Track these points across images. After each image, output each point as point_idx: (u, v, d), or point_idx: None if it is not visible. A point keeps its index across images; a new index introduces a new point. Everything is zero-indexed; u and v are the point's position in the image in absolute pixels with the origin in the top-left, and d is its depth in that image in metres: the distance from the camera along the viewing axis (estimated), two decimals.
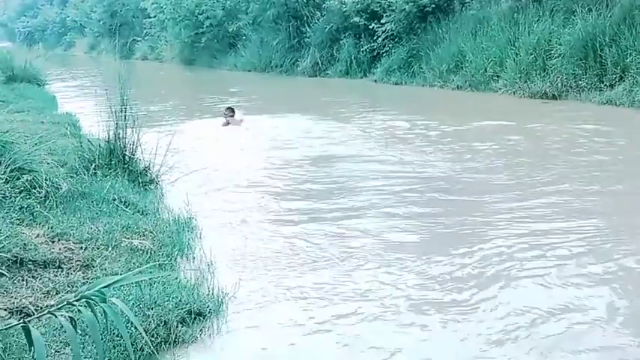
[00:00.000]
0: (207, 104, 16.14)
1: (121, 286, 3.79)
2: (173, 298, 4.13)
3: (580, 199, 6.87)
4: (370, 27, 21.30)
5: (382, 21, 20.86)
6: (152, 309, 3.98)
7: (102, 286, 3.07)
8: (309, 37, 24.49)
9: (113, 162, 7.13)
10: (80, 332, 3.44)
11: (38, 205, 5.49)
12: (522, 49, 15.93)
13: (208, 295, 4.37)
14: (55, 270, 4.50)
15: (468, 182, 7.90)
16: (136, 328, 3.41)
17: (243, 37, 29.65)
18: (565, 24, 15.45)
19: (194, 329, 4.01)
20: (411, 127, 12.01)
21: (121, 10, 45.95)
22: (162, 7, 34.05)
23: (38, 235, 4.97)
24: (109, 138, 7.24)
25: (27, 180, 5.70)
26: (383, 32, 20.88)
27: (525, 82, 15.33)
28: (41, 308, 3.83)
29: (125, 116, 7.30)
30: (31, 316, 3.52)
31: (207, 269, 4.96)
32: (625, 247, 5.41)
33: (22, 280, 4.27)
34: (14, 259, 4.43)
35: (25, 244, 4.63)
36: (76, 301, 3.00)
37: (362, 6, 21.54)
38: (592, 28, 14.40)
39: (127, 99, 7.41)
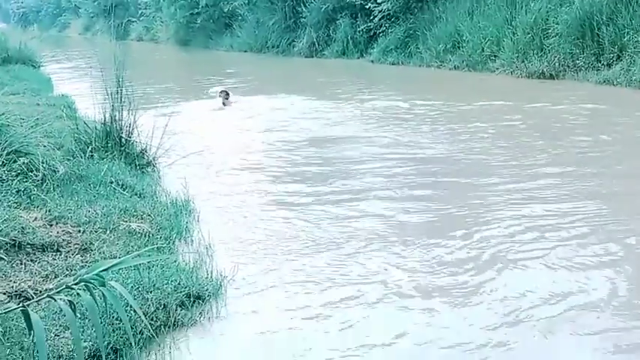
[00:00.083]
0: (203, 86, 16.06)
1: (119, 269, 3.78)
2: (172, 281, 4.13)
3: (579, 180, 6.86)
4: (367, 6, 21.21)
5: (379, 0, 20.75)
6: (151, 292, 3.97)
7: (101, 269, 3.07)
8: (305, 17, 24.38)
9: (110, 144, 7.11)
10: (79, 316, 3.44)
11: (35, 189, 5.47)
12: (519, 28, 15.88)
13: (207, 278, 4.37)
14: (54, 253, 4.49)
15: (466, 163, 7.89)
16: (135, 311, 3.41)
17: (239, 18, 29.50)
18: (562, 2, 15.38)
19: (193, 312, 4.01)
20: (408, 108, 11.98)
21: None
22: None
23: (36, 218, 4.96)
24: (105, 120, 7.21)
25: (23, 163, 5.68)
26: (379, 12, 20.79)
27: (523, 61, 15.30)
28: (40, 292, 3.83)
29: (121, 98, 7.26)
30: (30, 300, 3.52)
31: (205, 252, 4.95)
32: (625, 229, 5.40)
33: (21, 264, 4.26)
34: (12, 242, 4.42)
35: (22, 227, 4.62)
36: (75, 284, 3.00)
37: None
38: (589, 6, 14.33)
39: (122, 80, 7.38)
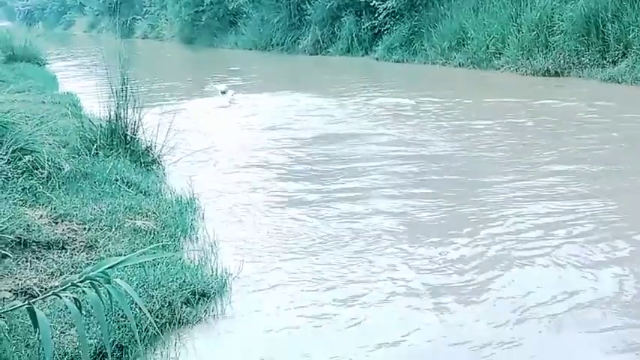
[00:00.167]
0: (208, 83, 16.06)
1: (124, 267, 3.78)
2: (177, 278, 4.13)
3: (585, 178, 6.82)
4: (371, 4, 21.17)
5: None
6: (156, 290, 3.98)
7: (106, 267, 3.07)
8: (309, 15, 24.35)
9: (115, 142, 7.12)
10: (85, 313, 3.44)
11: (41, 186, 5.48)
12: (524, 25, 15.83)
13: (212, 275, 4.37)
14: (59, 251, 4.50)
15: (471, 161, 7.88)
16: (140, 309, 3.42)
17: (244, 15, 29.48)
18: None
19: (198, 310, 4.01)
20: (413, 105, 11.97)
21: None
22: None
23: (41, 216, 4.96)
24: (110, 118, 7.22)
25: (29, 161, 5.69)
26: (384, 9, 20.76)
27: (527, 59, 15.25)
28: (46, 289, 3.83)
29: (126, 96, 7.27)
30: (35, 297, 3.53)
31: (210, 250, 4.95)
32: (632, 226, 5.37)
33: (26, 262, 4.27)
34: (18, 240, 4.43)
35: (28, 225, 4.63)
36: (81, 282, 3.00)
37: None
38: (594, 3, 14.28)
39: (127, 78, 7.39)
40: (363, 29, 22.22)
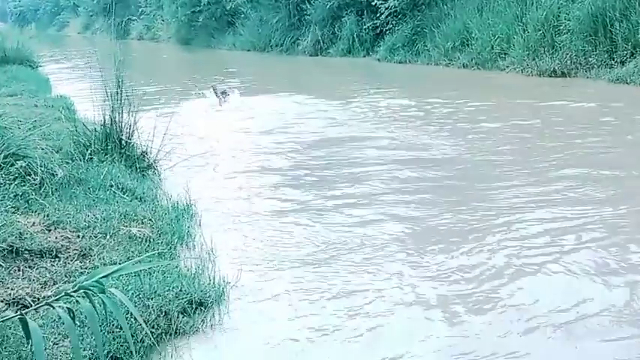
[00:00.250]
0: (205, 85, 16.06)
1: (119, 275, 3.78)
2: (173, 287, 4.12)
3: (594, 182, 6.77)
4: (373, 3, 21.23)
5: None
6: (152, 299, 3.97)
7: (100, 276, 3.07)
8: (309, 15, 24.41)
9: (109, 147, 7.11)
10: (79, 324, 3.44)
11: (33, 193, 5.48)
12: (530, 25, 15.85)
13: (209, 284, 4.36)
14: (52, 259, 4.50)
15: (476, 165, 7.87)
16: (135, 319, 3.41)
17: (242, 16, 29.56)
18: None
19: (195, 320, 4.00)
20: (415, 108, 11.97)
21: None
22: None
23: (34, 223, 4.96)
24: (104, 122, 7.21)
25: (21, 166, 5.69)
26: (386, 9, 20.81)
27: (533, 59, 15.27)
28: (38, 299, 3.83)
29: (121, 99, 7.27)
30: (28, 307, 3.52)
31: (207, 257, 4.94)
32: None
33: (19, 271, 4.27)
34: (10, 248, 4.43)
35: (20, 232, 4.62)
36: (74, 291, 3.00)
37: None
38: (602, 2, 14.28)
39: (122, 81, 7.38)
40: (365, 29, 22.27)
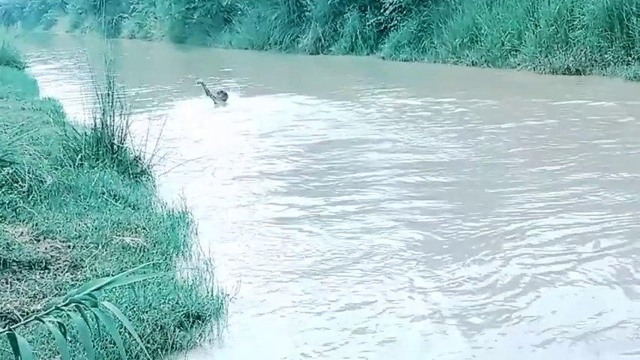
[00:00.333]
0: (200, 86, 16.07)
1: (113, 288, 3.78)
2: (169, 300, 4.13)
3: (610, 186, 6.76)
4: None
5: None
6: (147, 312, 3.97)
7: (92, 288, 3.06)
8: (310, 11, 24.43)
9: (101, 152, 7.12)
10: (70, 339, 3.44)
11: (21, 201, 5.48)
12: (542, 20, 15.85)
13: (207, 296, 4.36)
14: (42, 271, 4.50)
15: (486, 169, 7.87)
16: (130, 333, 3.41)
17: (239, 12, 29.58)
18: None
19: (192, 334, 4.00)
20: (422, 108, 11.99)
21: None
22: None
23: (22, 233, 4.96)
24: (95, 125, 7.22)
25: (8, 173, 5.70)
26: (390, 4, 20.82)
27: (546, 56, 15.26)
28: (27, 314, 3.83)
29: (112, 101, 7.28)
30: (17, 322, 3.53)
31: (205, 268, 4.94)
32: None
33: (6, 283, 4.27)
34: None
35: (8, 243, 4.63)
36: (65, 305, 2.99)
37: None
38: None
39: (113, 82, 7.39)
40: (368, 26, 22.27)
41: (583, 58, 14.60)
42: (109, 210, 5.74)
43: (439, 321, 4.23)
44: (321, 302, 4.54)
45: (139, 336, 3.60)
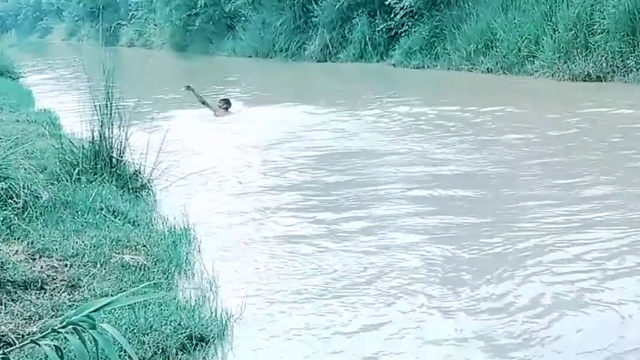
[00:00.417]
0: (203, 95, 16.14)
1: (112, 309, 3.78)
2: (171, 321, 4.12)
3: (636, 202, 6.72)
4: (386, 3, 21.30)
5: None
6: (148, 334, 3.97)
7: (91, 310, 3.07)
8: (317, 17, 24.52)
9: (99, 165, 7.14)
10: None
11: (16, 218, 5.49)
12: (561, 24, 15.87)
13: (211, 317, 4.35)
14: (37, 291, 4.50)
15: (503, 181, 7.86)
16: (130, 357, 3.41)
17: (243, 18, 29.73)
18: None
19: (196, 357, 3.99)
20: (434, 117, 12.00)
21: None
22: None
23: (17, 251, 4.97)
24: (93, 138, 7.24)
25: (2, 189, 5.71)
26: (401, 9, 20.87)
27: (565, 62, 15.28)
28: (23, 336, 3.83)
29: (111, 112, 7.30)
30: (11, 345, 3.53)
31: (208, 287, 4.94)
32: None
33: (1, 304, 4.27)
34: None
35: (2, 262, 4.63)
36: (62, 327, 3.00)
37: None
38: None
39: (112, 92, 7.42)
40: (378, 32, 22.34)
41: (604, 64, 14.61)
42: (108, 227, 5.74)
43: (461, 343, 4.19)
44: (333, 324, 4.51)
45: (140, 359, 3.60)
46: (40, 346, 3.00)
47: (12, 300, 4.35)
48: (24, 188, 5.80)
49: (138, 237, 5.60)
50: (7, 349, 3.08)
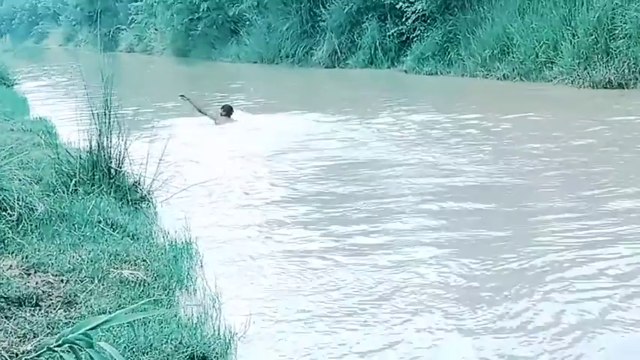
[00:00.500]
0: (205, 104, 16.19)
1: (110, 326, 3.78)
2: (172, 339, 4.11)
3: None
4: (398, 6, 21.35)
5: None
6: (147, 353, 3.96)
7: (88, 327, 3.07)
8: (324, 21, 24.58)
9: (97, 176, 7.14)
10: None
11: (10, 231, 5.50)
12: (580, 28, 15.87)
13: (214, 335, 4.34)
14: (32, 308, 4.50)
15: (521, 193, 7.87)
16: None
17: (247, 23, 29.83)
18: None
19: None
20: (448, 126, 12.01)
21: None
22: None
23: (11, 266, 4.98)
24: (91, 147, 7.25)
25: None
26: (413, 12, 20.92)
27: (585, 68, 15.27)
28: (17, 355, 3.83)
29: (109, 121, 7.32)
30: None
31: (211, 304, 4.94)
32: None
33: None
34: None
35: None
36: (58, 346, 3.01)
37: None
38: None
39: (111, 100, 7.43)
40: (389, 36, 22.39)
41: (626, 71, 14.61)
42: (106, 240, 5.75)
43: None
44: (343, 343, 4.49)
45: None
46: None
47: (6, 317, 4.35)
48: (18, 200, 5.81)
49: (137, 251, 5.59)
50: None
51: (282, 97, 17.94)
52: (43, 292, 4.71)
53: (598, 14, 15.70)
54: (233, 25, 30.96)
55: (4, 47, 33.11)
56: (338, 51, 24.16)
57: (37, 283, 4.79)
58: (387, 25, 22.43)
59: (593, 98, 13.99)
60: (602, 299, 4.94)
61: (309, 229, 6.96)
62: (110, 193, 6.99)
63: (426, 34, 21.01)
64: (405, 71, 21.10)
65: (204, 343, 4.20)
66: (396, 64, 22.07)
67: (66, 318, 4.39)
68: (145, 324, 4.25)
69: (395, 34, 22.19)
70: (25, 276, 4.89)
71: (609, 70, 14.80)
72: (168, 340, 4.10)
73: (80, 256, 5.28)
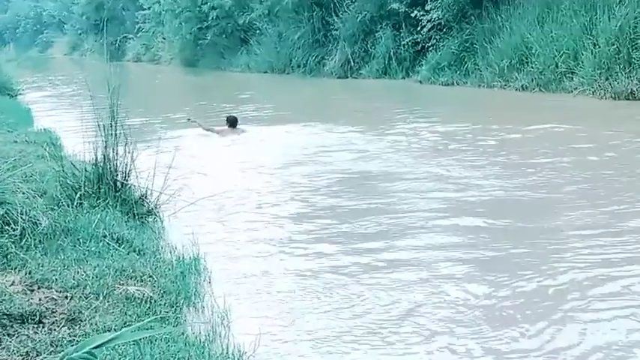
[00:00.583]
0: (213, 115, 16.23)
1: (115, 345, 3.78)
2: (179, 358, 4.12)
3: None
4: (413, 15, 21.36)
5: (427, 7, 20.91)
6: None
7: (92, 346, 3.06)
8: (337, 30, 24.62)
9: (102, 190, 7.16)
10: None
11: (13, 246, 5.51)
12: (601, 38, 15.85)
13: (222, 354, 4.35)
14: (35, 325, 4.51)
15: (538, 208, 7.83)
16: None
17: (257, 32, 29.91)
18: None
19: None
20: (464, 138, 11.99)
21: (108, 2, 46.55)
22: None
23: (14, 282, 4.99)
24: (96, 160, 7.28)
25: None
26: (428, 21, 20.94)
27: (606, 79, 15.24)
28: None
29: (116, 132, 7.34)
30: None
31: (219, 322, 4.94)
32: None
33: None
34: None
35: None
36: None
37: None
38: None
39: (117, 111, 7.46)
40: (403, 46, 22.40)
41: None
42: (112, 256, 5.75)
43: None
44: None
45: None
46: None
47: (8, 334, 4.36)
48: (22, 214, 5.83)
49: (144, 267, 5.60)
50: None
51: (293, 108, 17.97)
52: (46, 308, 4.72)
53: (620, 23, 15.68)
54: (243, 34, 31.04)
55: (8, 56, 33.31)
56: (351, 61, 24.19)
57: (40, 300, 4.80)
58: (402, 34, 22.45)
59: (614, 110, 13.95)
60: (625, 318, 4.91)
61: (321, 244, 6.94)
62: (116, 207, 7.01)
63: (441, 44, 21.02)
64: (420, 82, 21.10)
65: None
66: (410, 74, 22.07)
67: (70, 336, 4.40)
68: (152, 342, 4.26)
69: (410, 44, 22.20)
70: (29, 292, 4.90)
71: (631, 80, 14.77)
72: (176, 359, 4.10)
73: (85, 272, 5.28)
